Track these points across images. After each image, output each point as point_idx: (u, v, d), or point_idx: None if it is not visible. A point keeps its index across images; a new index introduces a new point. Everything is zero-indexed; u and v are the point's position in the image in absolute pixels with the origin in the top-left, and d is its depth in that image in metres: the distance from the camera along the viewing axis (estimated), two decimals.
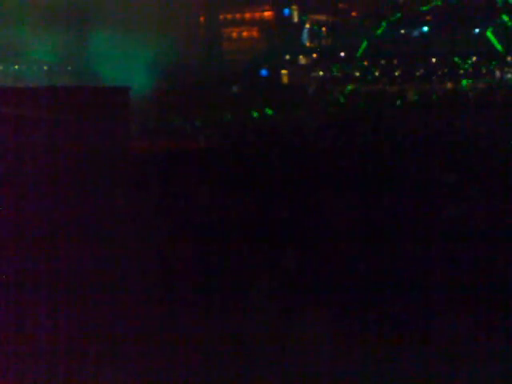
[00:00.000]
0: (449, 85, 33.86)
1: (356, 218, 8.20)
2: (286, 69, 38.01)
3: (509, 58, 33.74)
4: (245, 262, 7.53)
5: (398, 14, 35.82)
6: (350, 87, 35.08)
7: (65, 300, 6.38)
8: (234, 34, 40.54)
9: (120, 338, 6.08)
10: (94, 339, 5.95)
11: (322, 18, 38.93)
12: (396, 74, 36.04)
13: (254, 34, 39.99)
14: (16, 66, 38.78)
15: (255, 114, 25.08)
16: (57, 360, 5.66)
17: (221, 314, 6.68)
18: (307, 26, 38.95)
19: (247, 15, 40.37)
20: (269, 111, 26.87)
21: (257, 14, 40.23)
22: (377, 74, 36.50)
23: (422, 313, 6.54)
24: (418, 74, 35.63)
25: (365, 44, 35.65)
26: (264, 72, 37.03)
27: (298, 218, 8.05)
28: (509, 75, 33.70)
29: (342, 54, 37.10)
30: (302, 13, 38.95)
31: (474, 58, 34.34)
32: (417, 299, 6.69)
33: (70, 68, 38.17)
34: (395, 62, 36.13)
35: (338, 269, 7.28)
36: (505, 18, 34.26)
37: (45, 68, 38.48)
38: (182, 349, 5.98)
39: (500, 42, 32.60)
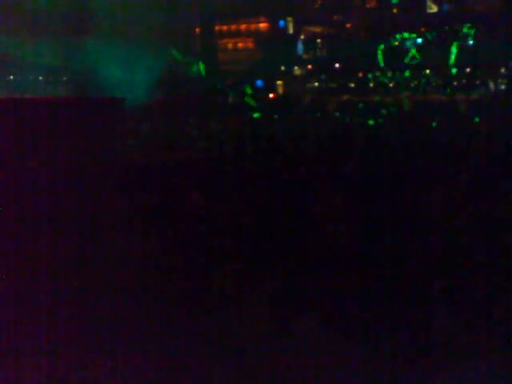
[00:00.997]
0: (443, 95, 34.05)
1: (351, 227, 8.23)
2: (281, 80, 38.18)
3: (502, 70, 33.95)
4: (242, 272, 7.56)
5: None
6: (344, 98, 35.26)
7: (64, 301, 6.40)
8: (230, 45, 40.72)
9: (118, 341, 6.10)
10: (93, 339, 5.98)
11: (317, 29, 39.14)
12: (390, 85, 36.22)
13: (250, 45, 40.17)
14: (11, 77, 38.81)
15: (249, 124, 25.16)
16: (56, 360, 5.68)
17: (219, 318, 6.72)
18: (302, 37, 39.14)
19: (243, 26, 40.55)
20: (262, 120, 26.93)
21: (252, 26, 40.42)
22: (371, 84, 36.68)
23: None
24: (412, 85, 35.83)
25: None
26: (259, 83, 37.17)
27: (292, 227, 8.08)
28: (502, 86, 33.88)
29: (337, 65, 37.28)
30: (297, 24, 39.16)
31: (468, 70, 34.53)
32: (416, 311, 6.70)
33: (65, 78, 38.22)
34: (389, 73, 36.32)
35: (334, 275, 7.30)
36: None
37: (40, 78, 38.52)
38: (180, 351, 6.01)
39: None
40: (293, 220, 8.15)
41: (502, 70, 33.82)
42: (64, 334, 6.00)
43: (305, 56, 38.62)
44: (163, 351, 6.04)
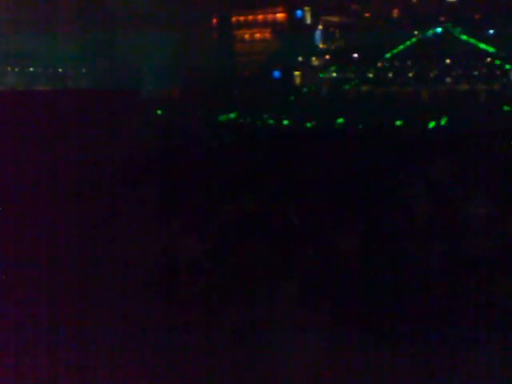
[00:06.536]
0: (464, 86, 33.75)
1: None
2: (298, 70, 38.03)
3: None
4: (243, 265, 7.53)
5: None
6: (363, 88, 35.04)
7: (64, 300, 6.40)
8: (247, 36, 40.57)
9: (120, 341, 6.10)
10: (93, 340, 5.97)
11: (335, 19, 38.91)
12: (410, 75, 35.93)
13: (267, 35, 40.01)
14: (31, 69, 39.00)
15: (266, 117, 25.11)
16: (55, 361, 5.67)
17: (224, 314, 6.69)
18: (320, 27, 38.93)
19: (260, 17, 40.39)
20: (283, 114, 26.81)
21: (269, 16, 40.24)
22: (391, 75, 36.41)
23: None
24: (431, 75, 35.52)
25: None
26: (277, 73, 37.06)
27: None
28: None
29: (356, 55, 37.07)
30: (314, 14, 38.95)
31: (489, 60, 34.19)
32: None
33: (84, 70, 38.35)
34: (409, 63, 36.03)
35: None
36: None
37: (59, 70, 38.69)
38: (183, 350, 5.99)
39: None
40: None
41: None
42: (62, 334, 6.01)
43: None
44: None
